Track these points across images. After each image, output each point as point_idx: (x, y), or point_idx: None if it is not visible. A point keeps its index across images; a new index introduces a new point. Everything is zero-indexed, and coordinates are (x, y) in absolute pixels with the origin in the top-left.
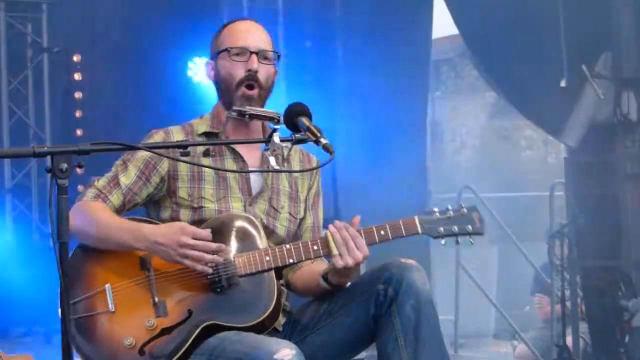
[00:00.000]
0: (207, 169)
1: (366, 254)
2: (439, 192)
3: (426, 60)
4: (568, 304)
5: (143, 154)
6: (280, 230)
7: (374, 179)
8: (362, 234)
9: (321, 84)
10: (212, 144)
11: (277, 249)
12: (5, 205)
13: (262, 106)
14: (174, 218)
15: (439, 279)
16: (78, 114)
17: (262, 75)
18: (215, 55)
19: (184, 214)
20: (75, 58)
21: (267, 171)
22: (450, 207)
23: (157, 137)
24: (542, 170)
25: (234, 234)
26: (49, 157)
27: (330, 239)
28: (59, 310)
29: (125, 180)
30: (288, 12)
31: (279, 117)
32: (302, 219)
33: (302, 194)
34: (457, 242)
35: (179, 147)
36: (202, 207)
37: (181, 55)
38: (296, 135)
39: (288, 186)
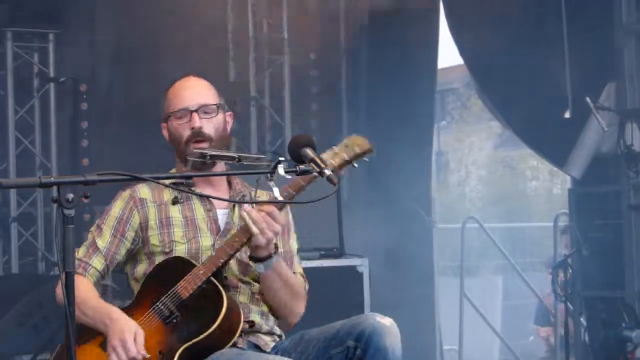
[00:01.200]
0: (174, 213)
1: (282, 223)
2: (444, 222)
3: (432, 90)
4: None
5: (114, 213)
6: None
7: (379, 209)
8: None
9: (324, 115)
10: (208, 175)
11: (208, 259)
12: (10, 233)
13: (223, 148)
14: (146, 272)
15: (443, 309)
16: (84, 143)
17: (207, 129)
18: (165, 119)
19: (159, 260)
20: (82, 88)
21: (281, 202)
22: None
23: (125, 194)
24: (547, 201)
25: (173, 269)
26: (55, 188)
27: (247, 218)
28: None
29: (102, 243)
30: (292, 43)
31: (238, 156)
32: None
33: None
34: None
35: (183, 177)
36: (172, 249)
37: None
38: (300, 166)
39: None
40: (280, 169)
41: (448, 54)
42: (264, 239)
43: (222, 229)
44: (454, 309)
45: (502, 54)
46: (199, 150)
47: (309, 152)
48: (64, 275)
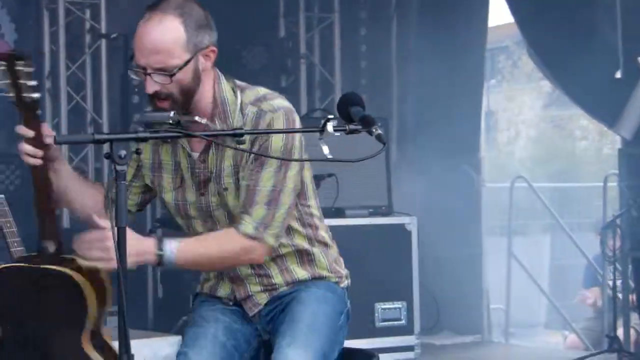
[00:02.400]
0: (165, 156)
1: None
2: (492, 181)
3: (481, 48)
4: (619, 295)
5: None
6: (234, 208)
7: (426, 167)
8: None
9: (374, 73)
10: (277, 132)
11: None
12: None
13: (189, 107)
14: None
15: (490, 268)
16: (135, 99)
17: (167, 89)
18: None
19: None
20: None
21: (330, 160)
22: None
23: None
24: (596, 161)
25: None
26: (107, 144)
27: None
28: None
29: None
30: (343, 1)
31: (174, 114)
32: (241, 177)
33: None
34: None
35: (235, 135)
36: (162, 197)
37: (237, 43)
38: (349, 125)
39: (232, 164)
40: (330, 127)
41: (499, 11)
42: (108, 264)
43: (200, 181)
44: (501, 269)
45: (553, 13)
46: (139, 120)
47: (358, 110)
48: (116, 231)
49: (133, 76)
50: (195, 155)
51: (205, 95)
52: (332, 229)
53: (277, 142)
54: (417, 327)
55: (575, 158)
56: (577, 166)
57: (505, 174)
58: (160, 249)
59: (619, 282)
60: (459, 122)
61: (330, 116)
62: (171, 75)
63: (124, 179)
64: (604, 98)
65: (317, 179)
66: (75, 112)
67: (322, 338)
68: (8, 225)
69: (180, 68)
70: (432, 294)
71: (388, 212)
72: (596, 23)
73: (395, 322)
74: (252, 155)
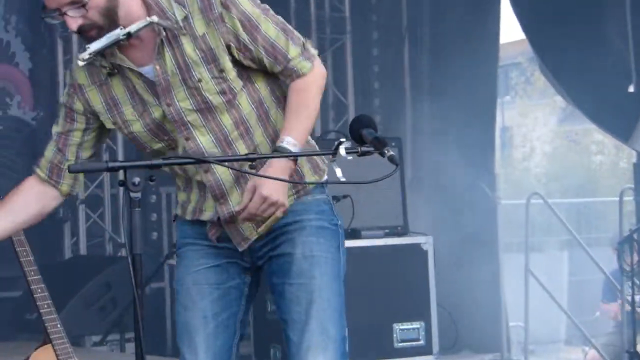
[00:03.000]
0: (117, 89)
1: (266, 194)
2: (508, 198)
3: (494, 64)
4: (639, 309)
5: (61, 101)
6: (214, 98)
7: (441, 185)
8: None
9: (387, 93)
10: (266, 157)
11: None
12: (78, 216)
13: (119, 22)
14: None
15: (508, 285)
16: None
17: (89, 21)
18: None
19: (129, 138)
20: None
21: (345, 182)
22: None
23: (67, 79)
24: (612, 175)
25: None
26: (121, 171)
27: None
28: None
29: (54, 129)
30: (354, 22)
31: (122, 29)
32: (251, 55)
33: (218, 46)
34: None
35: (249, 160)
36: (131, 131)
37: None
38: (362, 147)
39: (197, 53)
40: (342, 150)
41: (511, 28)
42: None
43: (158, 88)
44: (519, 286)
45: (564, 29)
46: (84, 55)
47: (370, 133)
48: (130, 258)
49: (51, 21)
50: (148, 68)
51: (130, 3)
52: (349, 250)
53: (245, 3)
54: (435, 347)
55: (591, 173)
56: (593, 181)
57: (521, 190)
58: (282, 150)
59: (638, 297)
60: (473, 140)
61: (342, 139)
62: (84, 5)
63: (137, 206)
64: (617, 112)
65: (334, 200)
66: None
67: (337, 322)
68: (24, 254)
69: None
70: (450, 314)
71: (404, 232)
72: (607, 37)
73: (414, 343)
74: (244, 24)
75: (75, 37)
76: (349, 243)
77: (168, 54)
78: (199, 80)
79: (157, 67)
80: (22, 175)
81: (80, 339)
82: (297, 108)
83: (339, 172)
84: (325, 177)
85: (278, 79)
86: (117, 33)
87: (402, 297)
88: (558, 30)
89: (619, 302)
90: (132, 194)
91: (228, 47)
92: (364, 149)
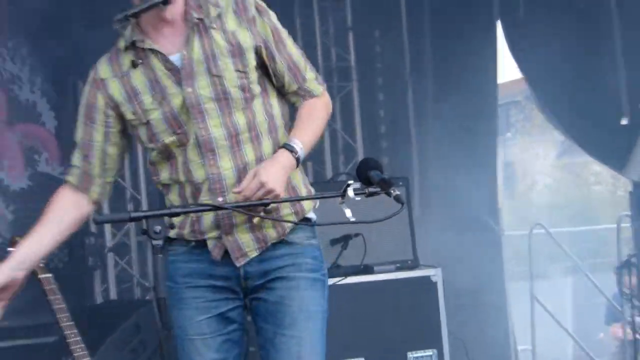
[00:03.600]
0: (137, 80)
1: (264, 180)
2: (513, 229)
3: (494, 103)
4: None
5: (82, 102)
6: (234, 92)
7: (448, 220)
8: None
9: (393, 136)
10: (289, 200)
11: None
12: (107, 263)
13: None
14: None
15: (515, 312)
16: None
17: None
18: None
19: (142, 132)
20: None
21: (354, 222)
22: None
23: (90, 78)
24: (611, 204)
25: None
26: (144, 221)
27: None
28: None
29: (77, 136)
30: (360, 70)
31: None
32: (274, 66)
33: (247, 40)
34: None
35: (262, 204)
36: (149, 120)
37: None
38: (369, 189)
39: (225, 43)
40: (350, 192)
41: (510, 68)
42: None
43: (183, 72)
44: (526, 311)
45: (559, 67)
46: (119, 17)
47: (377, 174)
48: (155, 303)
49: None
50: (174, 56)
51: None
52: (362, 285)
53: (275, 19)
54: None
55: (591, 202)
56: (593, 209)
57: (525, 221)
58: (294, 152)
59: (638, 319)
60: (477, 176)
61: (350, 182)
62: None
63: (160, 253)
64: (612, 144)
65: (346, 239)
66: (115, 189)
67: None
68: (57, 302)
69: None
70: (461, 340)
71: (414, 266)
72: (601, 72)
73: None
74: (274, 34)
75: None
76: (363, 278)
77: (197, 43)
78: (223, 70)
79: (185, 53)
80: None
81: None
82: (308, 119)
83: (348, 213)
84: (313, 216)
85: (286, 105)
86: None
87: (415, 326)
88: (553, 67)
89: (621, 323)
90: (154, 242)
91: (256, 49)
92: (371, 190)
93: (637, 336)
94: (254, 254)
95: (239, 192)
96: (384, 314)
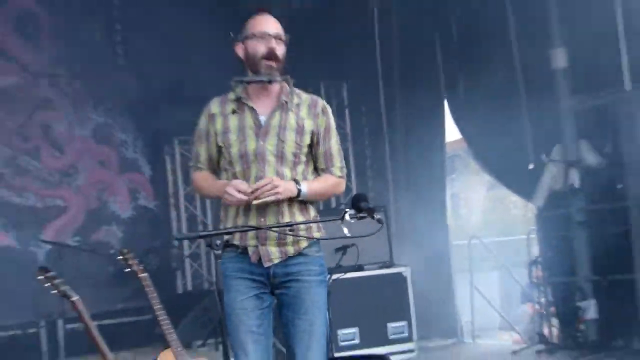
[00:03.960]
0: (232, 123)
1: (280, 191)
2: (458, 239)
3: (443, 156)
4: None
5: (200, 125)
6: (288, 155)
7: (414, 233)
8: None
9: (376, 178)
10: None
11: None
12: (185, 266)
13: (280, 74)
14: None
15: (460, 295)
16: None
17: (279, 52)
18: (243, 39)
19: (224, 157)
20: None
21: (348, 237)
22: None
23: (205, 111)
24: (522, 222)
25: None
26: (209, 238)
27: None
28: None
29: (198, 145)
30: (353, 136)
31: (270, 78)
32: (317, 149)
33: (308, 127)
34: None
35: (287, 225)
36: (229, 151)
37: None
38: (359, 214)
39: (295, 123)
40: (347, 216)
41: (453, 130)
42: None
43: (262, 130)
44: (467, 296)
45: (487, 130)
46: (239, 79)
47: (365, 204)
48: (216, 292)
49: (262, 46)
50: (264, 116)
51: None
52: (356, 279)
53: (332, 119)
54: (414, 336)
55: (510, 220)
56: (512, 226)
57: (465, 234)
58: (298, 184)
59: (543, 299)
60: (433, 204)
61: (347, 209)
62: (283, 42)
63: (219, 259)
64: (523, 181)
65: (344, 248)
66: (189, 217)
67: (322, 346)
68: (151, 292)
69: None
70: (424, 315)
71: (390, 265)
72: (514, 132)
73: (401, 335)
74: (326, 129)
75: (177, 153)
76: (356, 274)
77: (278, 115)
78: (285, 138)
79: (269, 118)
80: (151, 243)
81: (189, 343)
82: (321, 180)
83: (345, 230)
84: (322, 234)
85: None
86: (265, 78)
87: (392, 306)
88: (482, 130)
89: (531, 303)
90: (215, 252)
91: (312, 134)
92: (361, 215)
93: (542, 311)
94: (277, 260)
95: (259, 187)
96: (371, 298)
